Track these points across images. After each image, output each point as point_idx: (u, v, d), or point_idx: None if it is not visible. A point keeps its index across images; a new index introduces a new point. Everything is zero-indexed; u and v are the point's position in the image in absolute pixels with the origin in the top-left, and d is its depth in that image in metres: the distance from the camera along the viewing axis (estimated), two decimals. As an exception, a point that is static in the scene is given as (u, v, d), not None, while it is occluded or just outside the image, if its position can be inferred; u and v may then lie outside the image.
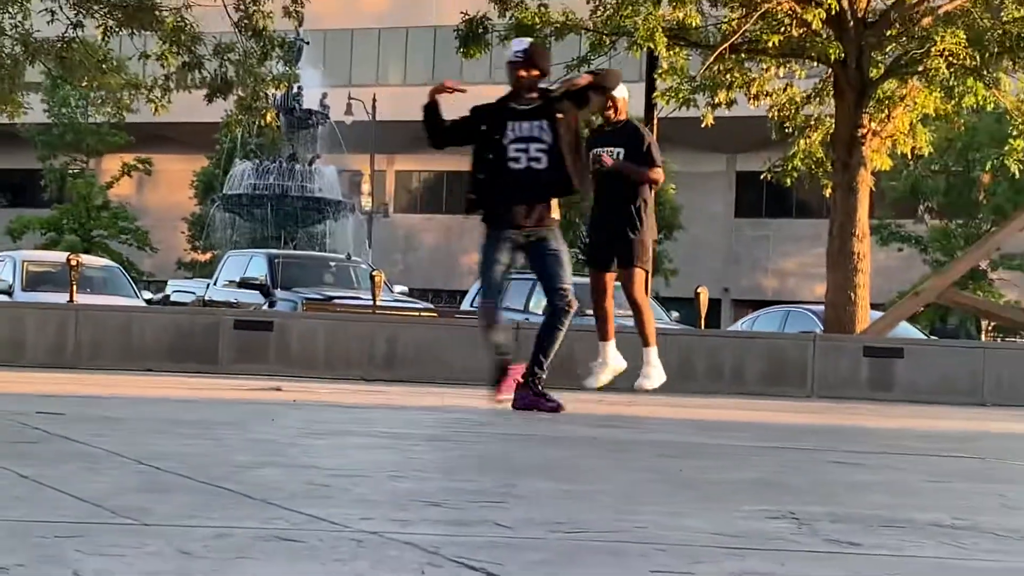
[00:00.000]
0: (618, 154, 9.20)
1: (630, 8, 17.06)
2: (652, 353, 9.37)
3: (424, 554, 2.60)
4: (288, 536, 2.75)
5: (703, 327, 17.07)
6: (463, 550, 2.66)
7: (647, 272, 9.36)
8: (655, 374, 9.40)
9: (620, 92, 9.48)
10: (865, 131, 17.81)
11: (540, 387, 7.63)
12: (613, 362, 9.14)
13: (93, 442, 4.54)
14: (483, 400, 8.94)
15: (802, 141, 19.57)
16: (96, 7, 19.60)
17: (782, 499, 3.72)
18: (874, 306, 19.72)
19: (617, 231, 9.13)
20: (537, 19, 17.76)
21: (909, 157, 20.15)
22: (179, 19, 19.31)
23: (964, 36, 16.59)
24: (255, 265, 20.79)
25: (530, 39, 8.13)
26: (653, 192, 9.36)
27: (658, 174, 9.34)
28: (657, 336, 9.49)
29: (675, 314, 20.29)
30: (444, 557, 2.57)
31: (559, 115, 7.50)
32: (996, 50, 16.85)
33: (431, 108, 7.64)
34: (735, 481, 4.23)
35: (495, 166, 7.48)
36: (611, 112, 9.40)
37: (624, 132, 9.38)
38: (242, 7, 19.41)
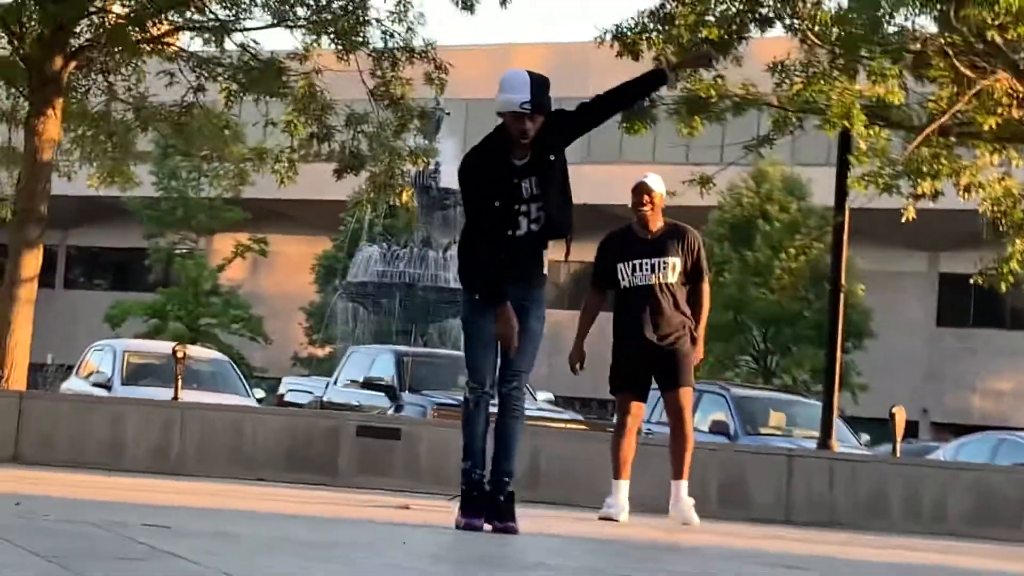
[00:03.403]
0: (673, 265, 9.31)
1: (822, 82, 17.02)
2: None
3: None
4: None
5: (898, 454, 16.78)
6: None
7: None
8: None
9: (657, 186, 9.49)
10: (1096, 230, 17.47)
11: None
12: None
13: (204, 560, 4.60)
14: (644, 529, 8.88)
15: (1020, 240, 19.26)
16: (219, 70, 20.08)
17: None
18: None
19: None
20: (712, 91, 17.82)
21: None
22: (310, 85, 19.68)
23: None
24: (381, 363, 21.00)
25: (527, 73, 7.35)
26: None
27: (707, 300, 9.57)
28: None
29: (865, 437, 20.02)
30: None
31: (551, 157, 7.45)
32: None
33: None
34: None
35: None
36: (647, 208, 9.38)
37: (675, 237, 9.40)
38: (379, 73, 19.72)
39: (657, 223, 9.45)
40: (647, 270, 9.32)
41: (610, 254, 9.46)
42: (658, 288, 9.31)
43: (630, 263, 9.34)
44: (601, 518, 9.40)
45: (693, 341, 9.42)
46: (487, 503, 7.37)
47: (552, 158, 7.44)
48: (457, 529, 7.32)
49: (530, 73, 7.38)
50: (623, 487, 9.41)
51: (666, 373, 9.37)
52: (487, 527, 7.32)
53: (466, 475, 7.41)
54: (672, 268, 9.33)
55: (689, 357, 9.44)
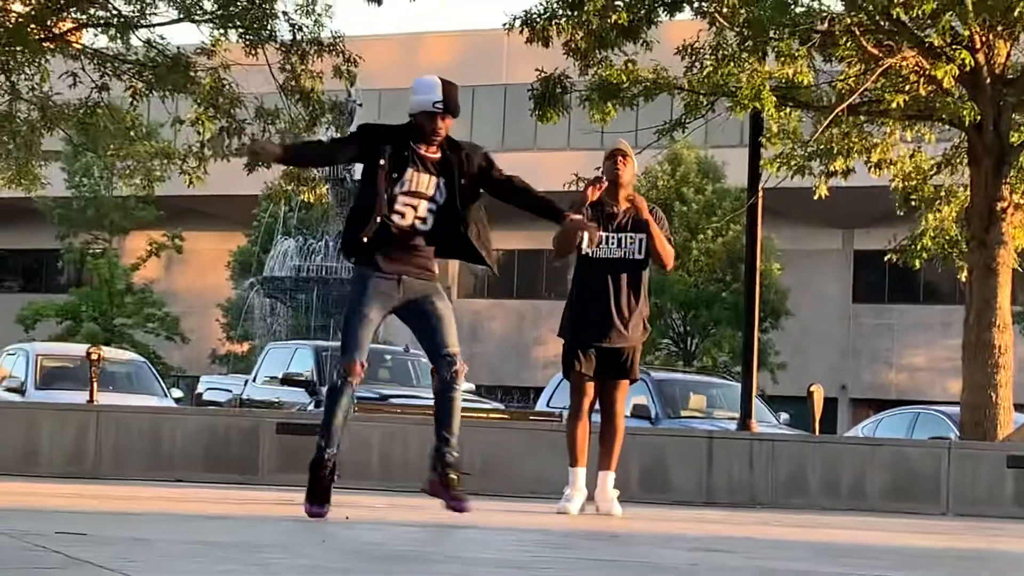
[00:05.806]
0: (640, 242, 9.05)
1: (732, 64, 17.10)
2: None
3: None
4: None
5: (817, 431, 16.95)
6: None
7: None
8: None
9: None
10: (1006, 204, 17.71)
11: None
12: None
13: (122, 568, 4.57)
14: (564, 518, 8.90)
15: (932, 216, 19.49)
16: (124, 67, 19.93)
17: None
18: (1018, 407, 19.48)
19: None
20: (624, 77, 17.86)
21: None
22: (217, 79, 19.57)
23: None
24: (300, 359, 20.92)
25: (437, 77, 7.57)
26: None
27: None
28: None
29: (784, 415, 20.18)
30: None
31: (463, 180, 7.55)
32: None
33: None
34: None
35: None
36: (621, 168, 9.06)
37: (642, 216, 9.10)
38: (288, 67, 19.64)
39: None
40: (613, 244, 9.07)
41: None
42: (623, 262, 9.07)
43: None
44: (558, 512, 9.05)
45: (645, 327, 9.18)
46: (437, 481, 7.82)
47: (463, 181, 7.55)
48: (307, 515, 7.57)
49: (441, 78, 7.60)
50: (580, 474, 9.05)
51: (617, 363, 9.06)
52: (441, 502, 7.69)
53: (319, 452, 7.69)
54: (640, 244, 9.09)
55: (640, 349, 9.18)
